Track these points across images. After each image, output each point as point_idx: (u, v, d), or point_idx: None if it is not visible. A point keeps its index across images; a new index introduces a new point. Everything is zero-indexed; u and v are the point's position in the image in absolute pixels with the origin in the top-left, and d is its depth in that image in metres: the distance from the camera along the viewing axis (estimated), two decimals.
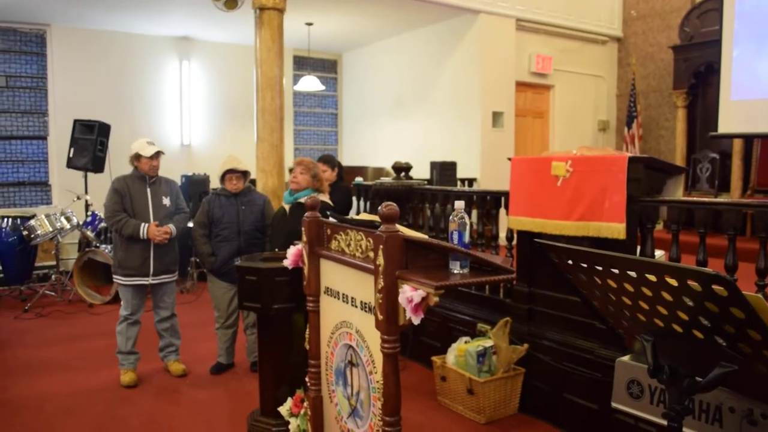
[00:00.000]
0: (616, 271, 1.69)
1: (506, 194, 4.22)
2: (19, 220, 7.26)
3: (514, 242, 4.26)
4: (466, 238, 2.42)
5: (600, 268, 1.72)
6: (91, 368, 4.84)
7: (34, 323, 6.21)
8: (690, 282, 1.50)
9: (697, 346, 1.64)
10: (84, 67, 9.16)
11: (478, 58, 8.80)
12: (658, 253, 3.85)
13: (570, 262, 1.82)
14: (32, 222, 6.92)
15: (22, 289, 7.24)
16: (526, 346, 3.95)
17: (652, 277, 1.59)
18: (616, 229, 3.37)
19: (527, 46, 9.45)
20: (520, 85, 9.44)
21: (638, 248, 3.53)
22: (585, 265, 1.76)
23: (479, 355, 3.89)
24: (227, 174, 4.65)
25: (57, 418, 3.96)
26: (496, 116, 8.97)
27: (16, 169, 9.15)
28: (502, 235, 4.59)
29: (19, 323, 6.20)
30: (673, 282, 1.54)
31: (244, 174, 4.71)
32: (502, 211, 4.45)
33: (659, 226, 3.60)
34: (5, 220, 7.36)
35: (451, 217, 2.44)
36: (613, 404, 2.33)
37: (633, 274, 1.64)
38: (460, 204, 2.48)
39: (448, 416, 3.99)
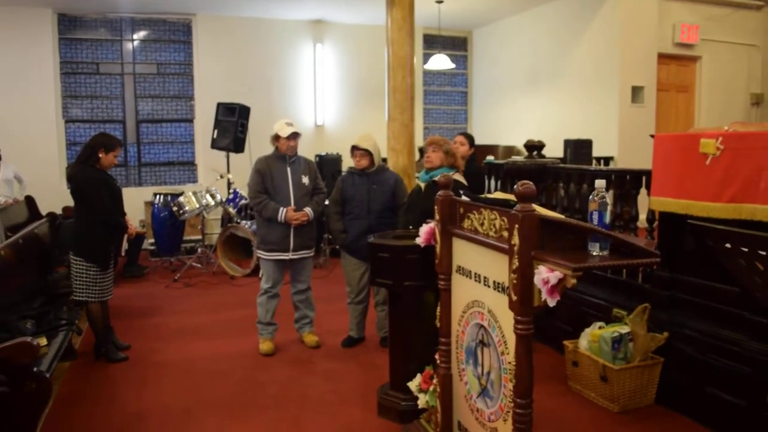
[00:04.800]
0: None
1: (648, 173, 3.99)
2: (169, 197, 7.87)
3: (655, 224, 4.02)
4: (607, 219, 2.32)
5: (764, 254, 1.58)
6: (232, 335, 5.18)
7: (182, 292, 6.73)
8: None
9: None
10: (225, 52, 9.71)
11: (617, 30, 8.33)
12: None
13: (728, 246, 1.69)
14: (181, 199, 7.45)
15: (172, 260, 7.89)
16: (665, 334, 3.73)
17: None
18: None
19: (671, 15, 8.80)
20: (663, 57, 8.82)
21: None
22: (746, 250, 1.63)
23: (614, 341, 3.73)
24: (353, 150, 4.71)
25: (203, 379, 4.29)
26: (636, 91, 8.48)
27: (166, 150, 9.92)
28: (642, 216, 4.35)
29: (170, 291, 6.75)
30: None
31: (369, 153, 4.66)
32: (642, 191, 4.21)
33: None
34: (158, 197, 8.00)
35: (591, 196, 2.34)
36: None
37: None
38: (600, 183, 2.37)
39: (579, 402, 3.87)
